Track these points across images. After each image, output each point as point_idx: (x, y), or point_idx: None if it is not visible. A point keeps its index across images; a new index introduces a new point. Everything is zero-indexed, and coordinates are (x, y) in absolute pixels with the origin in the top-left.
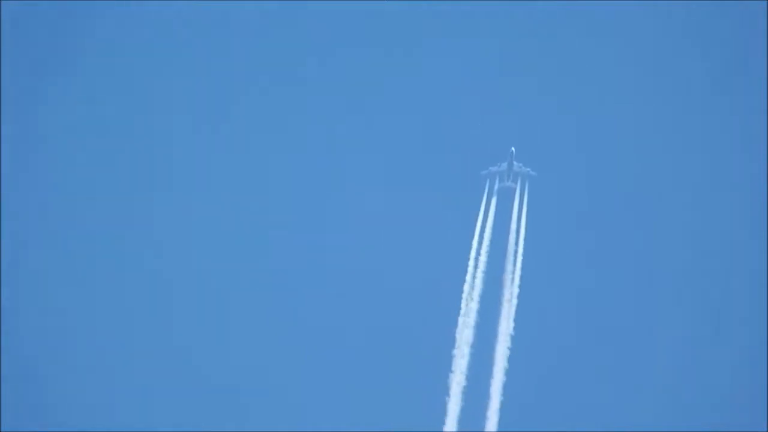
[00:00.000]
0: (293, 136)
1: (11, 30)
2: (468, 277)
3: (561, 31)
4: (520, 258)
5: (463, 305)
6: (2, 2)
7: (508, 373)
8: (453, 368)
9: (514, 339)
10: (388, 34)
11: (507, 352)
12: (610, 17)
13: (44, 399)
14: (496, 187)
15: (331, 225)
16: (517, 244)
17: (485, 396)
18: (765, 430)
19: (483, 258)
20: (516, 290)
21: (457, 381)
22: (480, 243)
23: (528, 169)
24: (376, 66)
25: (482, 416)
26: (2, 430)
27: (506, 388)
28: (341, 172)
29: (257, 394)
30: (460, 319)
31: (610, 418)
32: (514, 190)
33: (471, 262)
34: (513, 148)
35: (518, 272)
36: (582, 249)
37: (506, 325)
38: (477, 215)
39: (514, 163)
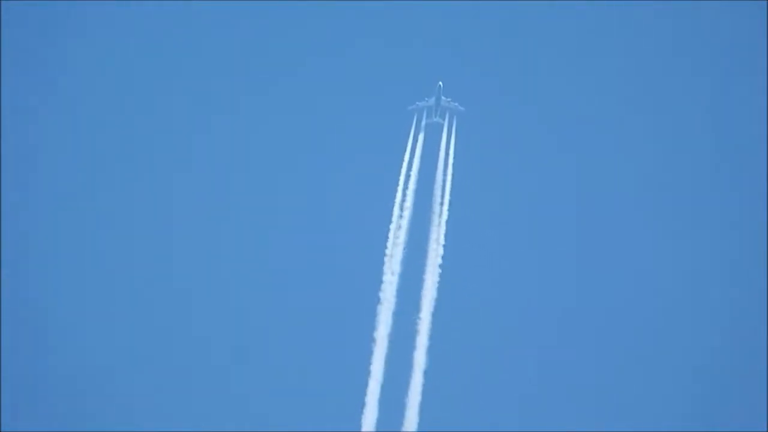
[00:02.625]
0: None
1: (11, 30)
2: (394, 216)
3: None
4: (447, 195)
5: (389, 245)
6: (2, 2)
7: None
8: (378, 313)
9: (441, 281)
10: None
11: (434, 299)
12: None
13: (44, 398)
14: (423, 122)
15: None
16: (444, 181)
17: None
18: (765, 430)
19: (410, 195)
20: (443, 229)
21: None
22: (407, 180)
23: (456, 104)
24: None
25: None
26: (2, 430)
27: (432, 338)
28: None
29: (258, 394)
30: (386, 259)
31: (610, 418)
32: (442, 125)
33: (398, 199)
34: (440, 83)
35: (445, 210)
36: (512, 186)
37: (433, 267)
38: (404, 151)
39: (442, 98)
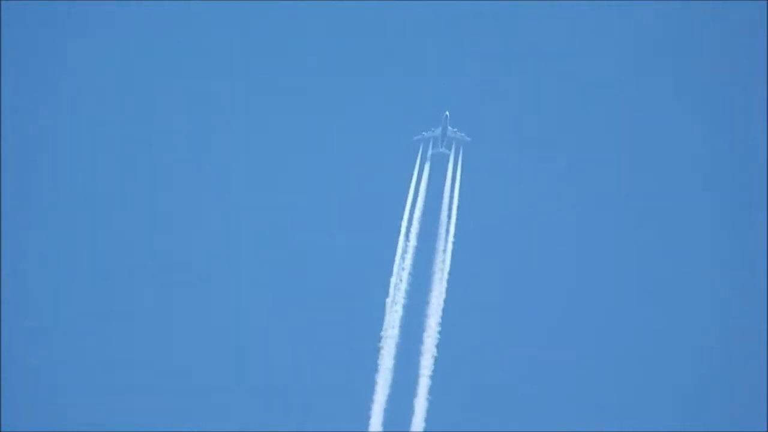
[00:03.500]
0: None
1: (11, 30)
2: (400, 246)
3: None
4: (453, 225)
5: (394, 271)
6: (2, 2)
7: (439, 347)
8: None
9: (446, 310)
10: None
11: (437, 328)
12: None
13: (44, 399)
14: (429, 152)
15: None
16: (450, 211)
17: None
18: (765, 430)
19: (415, 225)
20: (449, 258)
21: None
22: (412, 210)
23: (462, 134)
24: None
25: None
26: (2, 430)
27: (437, 365)
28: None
29: (264, 394)
30: (391, 288)
31: (610, 417)
32: (449, 156)
33: (403, 230)
34: (447, 113)
35: (451, 240)
36: (517, 218)
37: (438, 294)
38: (410, 181)
39: (449, 128)
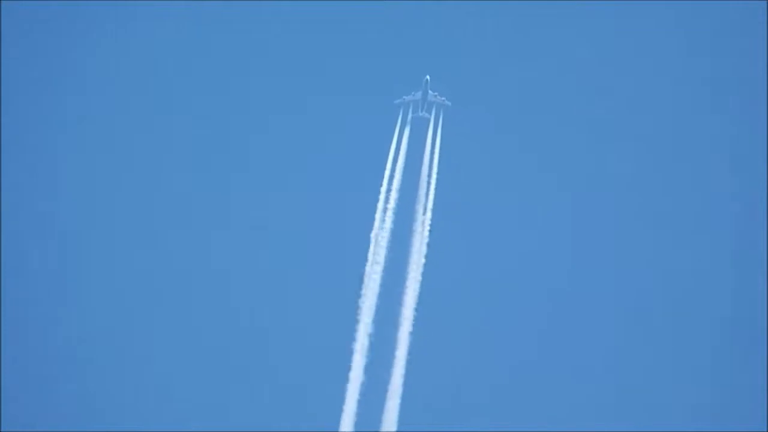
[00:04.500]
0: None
1: (11, 30)
2: (379, 210)
3: None
4: (432, 190)
5: (372, 239)
6: (2, 2)
7: (415, 323)
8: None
9: (424, 277)
10: None
11: (415, 299)
12: None
13: (44, 399)
14: (409, 117)
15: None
16: (429, 176)
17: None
18: (765, 430)
19: (394, 191)
20: (428, 224)
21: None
22: (392, 175)
23: (443, 98)
24: None
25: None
26: (2, 430)
27: (412, 343)
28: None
29: (239, 393)
30: (369, 254)
31: (610, 417)
32: (428, 120)
33: (383, 193)
34: (428, 77)
35: (430, 206)
36: (498, 182)
37: (417, 264)
38: (389, 146)
39: (429, 92)
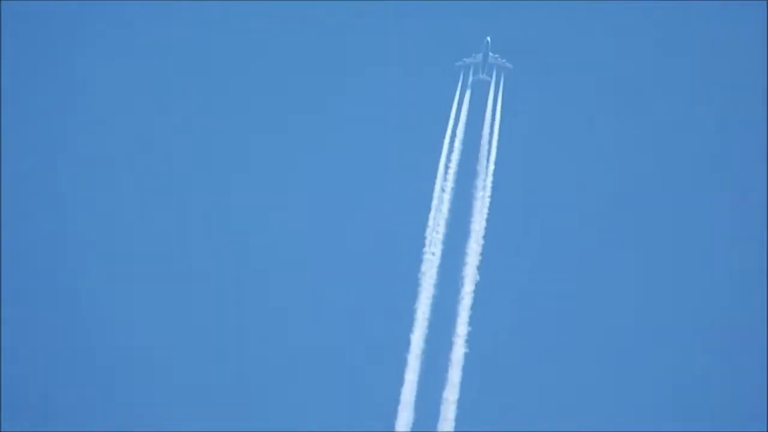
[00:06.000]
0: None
1: (11, 30)
2: (439, 177)
3: None
4: (493, 158)
5: (433, 207)
6: (2, 2)
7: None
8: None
9: (485, 247)
10: None
11: (475, 282)
12: None
13: (44, 399)
14: (470, 79)
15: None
16: (490, 142)
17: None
18: (765, 430)
19: (455, 155)
20: (488, 192)
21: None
22: (452, 140)
23: (504, 60)
24: None
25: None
26: (2, 430)
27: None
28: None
29: (291, 389)
30: (430, 223)
31: (610, 417)
32: (489, 83)
33: (442, 161)
34: (489, 38)
35: (491, 173)
36: (561, 151)
37: (478, 231)
38: (449, 110)
39: (490, 54)
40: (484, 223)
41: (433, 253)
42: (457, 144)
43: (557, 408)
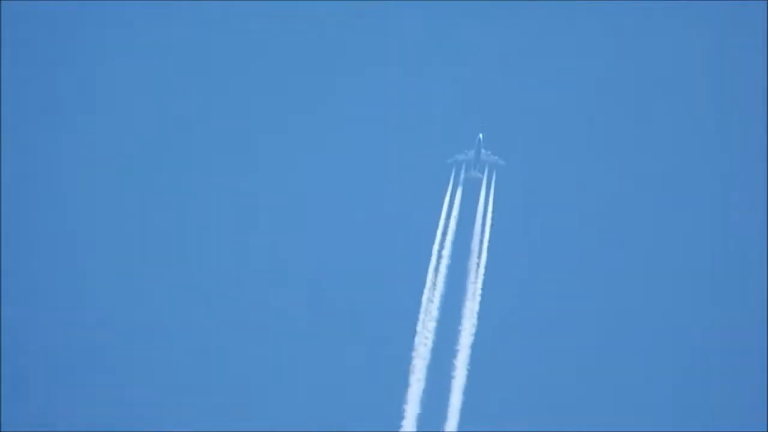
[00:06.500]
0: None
1: (11, 30)
2: (430, 273)
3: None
4: (485, 253)
5: (424, 300)
6: (2, 2)
7: (470, 371)
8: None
9: (477, 338)
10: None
11: (469, 351)
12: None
13: (44, 399)
14: (462, 176)
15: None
16: (482, 238)
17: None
18: (765, 430)
19: (447, 252)
20: (480, 286)
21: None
22: (444, 236)
23: (496, 157)
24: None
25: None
26: (2, 430)
27: (468, 388)
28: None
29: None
30: (421, 315)
31: (610, 417)
32: (482, 180)
33: (434, 256)
34: (481, 135)
35: (483, 267)
36: (552, 245)
37: (469, 323)
38: (441, 206)
39: (482, 150)
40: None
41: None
42: (449, 238)
43: (557, 408)
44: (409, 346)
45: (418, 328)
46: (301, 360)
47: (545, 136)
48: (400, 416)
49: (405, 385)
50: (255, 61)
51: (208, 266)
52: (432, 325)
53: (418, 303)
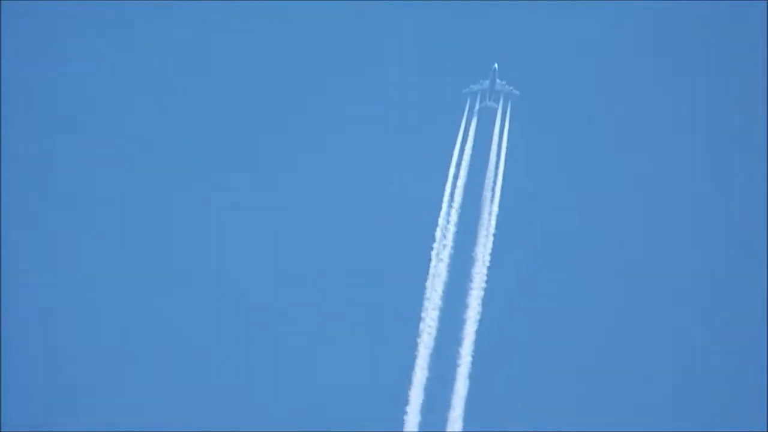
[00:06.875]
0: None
1: (11, 30)
2: (445, 204)
3: None
4: (500, 183)
5: (438, 233)
6: (2, 2)
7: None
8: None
9: (490, 273)
10: None
11: (481, 293)
12: None
13: (44, 399)
14: (477, 106)
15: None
16: (497, 168)
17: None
18: (765, 430)
19: (461, 181)
20: (494, 218)
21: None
22: (458, 167)
23: (511, 87)
24: None
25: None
26: (2, 430)
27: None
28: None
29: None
30: (434, 249)
31: (609, 417)
32: (496, 110)
33: (448, 187)
34: (496, 65)
35: (497, 198)
36: (567, 175)
37: (482, 258)
38: (456, 137)
39: (497, 81)
40: (491, 238)
41: (441, 259)
42: (464, 168)
43: (557, 408)
44: (410, 347)
45: (431, 268)
46: (302, 360)
47: (546, 136)
48: (402, 413)
49: (407, 381)
50: (254, 61)
51: (208, 266)
52: (445, 264)
53: (419, 304)
